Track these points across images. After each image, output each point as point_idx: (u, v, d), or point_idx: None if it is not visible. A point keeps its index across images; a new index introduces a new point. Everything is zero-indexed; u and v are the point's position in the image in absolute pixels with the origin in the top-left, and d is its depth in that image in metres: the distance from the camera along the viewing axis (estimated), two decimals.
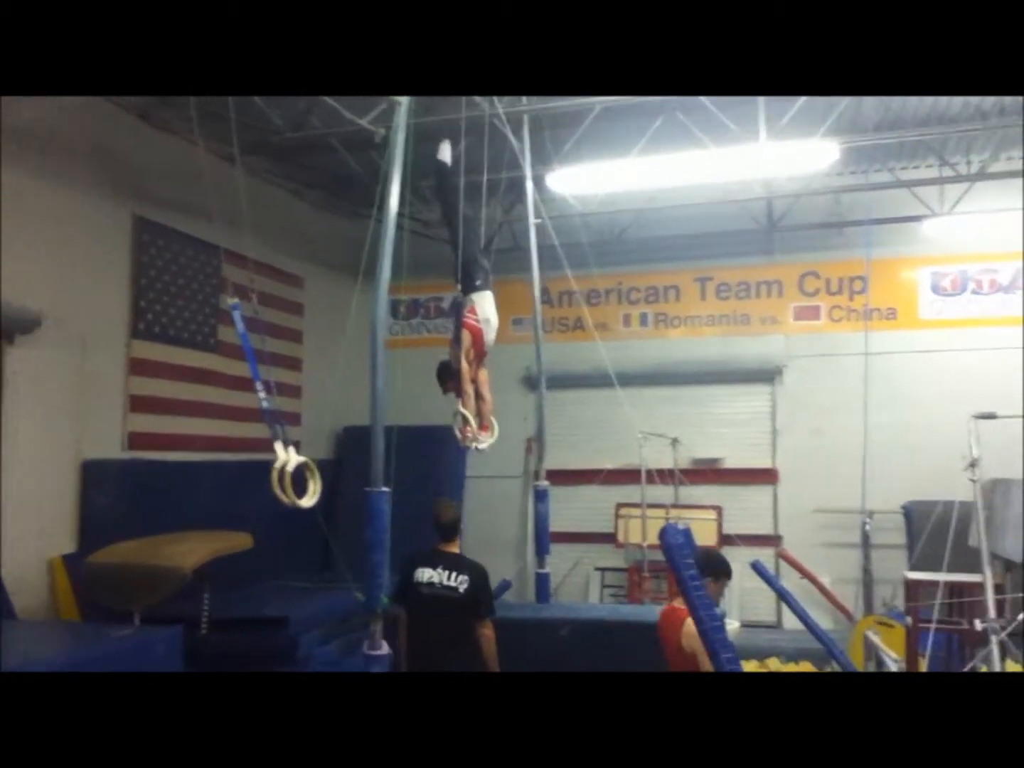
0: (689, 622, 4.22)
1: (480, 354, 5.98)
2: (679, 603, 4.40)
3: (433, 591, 4.90)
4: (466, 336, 5.82)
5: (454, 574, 4.90)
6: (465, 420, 5.73)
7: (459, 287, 5.98)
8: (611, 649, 5.73)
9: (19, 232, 6.57)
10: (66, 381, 7.03)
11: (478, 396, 5.98)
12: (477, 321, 5.87)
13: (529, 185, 7.61)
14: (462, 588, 4.88)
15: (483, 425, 6.02)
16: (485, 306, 5.92)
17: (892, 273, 10.28)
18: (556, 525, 8.11)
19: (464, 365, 5.75)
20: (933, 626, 5.64)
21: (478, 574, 5.00)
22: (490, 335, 5.95)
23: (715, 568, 4.59)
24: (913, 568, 7.17)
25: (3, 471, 6.46)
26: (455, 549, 5.13)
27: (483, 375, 6.08)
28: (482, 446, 6.01)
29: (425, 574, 4.94)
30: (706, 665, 4.20)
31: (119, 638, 5.18)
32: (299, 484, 4.71)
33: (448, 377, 5.97)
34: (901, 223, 9.62)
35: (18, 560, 6.48)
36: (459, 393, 5.80)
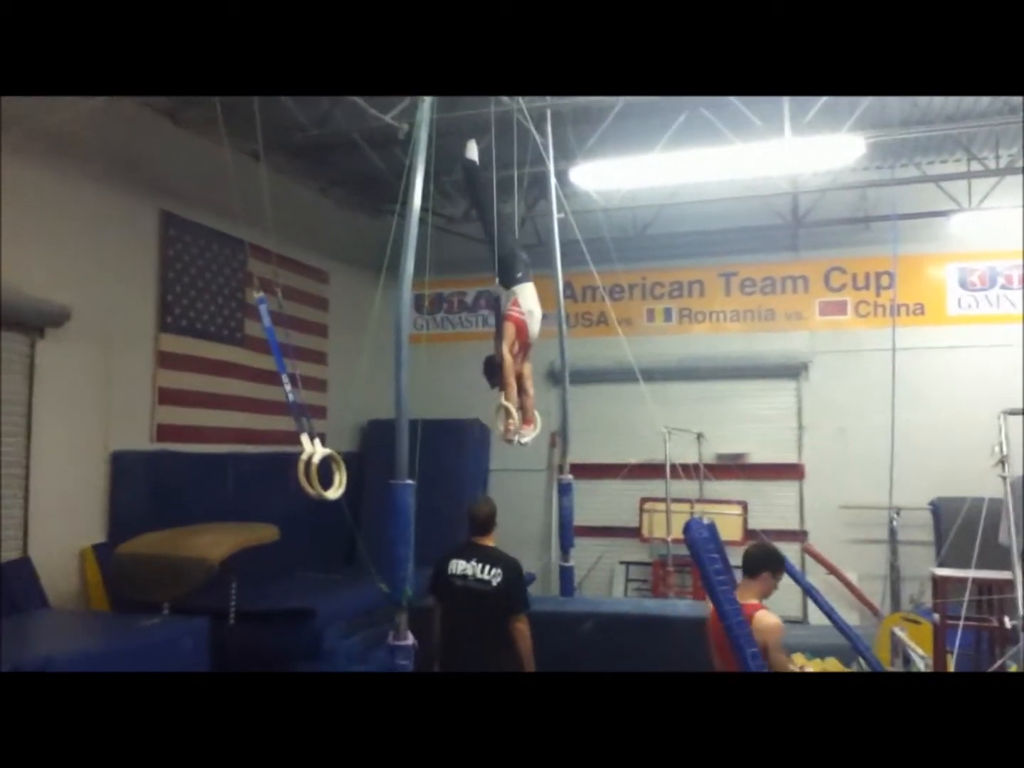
0: (759, 615, 4.22)
1: (524, 346, 5.96)
2: (739, 596, 4.36)
3: (466, 583, 4.90)
4: (509, 328, 5.80)
5: (487, 567, 4.90)
6: (508, 413, 5.71)
7: (498, 281, 5.97)
8: (636, 643, 5.73)
9: (47, 227, 6.68)
10: (95, 374, 7.13)
11: (521, 390, 5.98)
12: (521, 313, 5.87)
13: (552, 180, 7.60)
14: (495, 582, 4.87)
15: (527, 419, 6.02)
16: (528, 298, 5.92)
17: (919, 269, 10.18)
18: (580, 519, 8.11)
19: (508, 358, 5.74)
20: (961, 623, 5.56)
21: (512, 568, 4.98)
22: (534, 327, 5.94)
23: (775, 563, 4.51)
24: (941, 565, 7.09)
25: (34, 462, 6.58)
26: (490, 543, 5.13)
27: (527, 368, 6.07)
28: (525, 439, 6.01)
29: (459, 566, 4.95)
30: (780, 661, 4.18)
31: (148, 628, 5.25)
32: (325, 476, 4.75)
33: (494, 372, 5.97)
34: (928, 218, 9.53)
35: (50, 550, 6.60)
36: (503, 387, 5.78)
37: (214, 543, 6.34)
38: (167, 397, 7.91)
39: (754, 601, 4.31)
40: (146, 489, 7.37)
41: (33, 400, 6.59)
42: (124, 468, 7.31)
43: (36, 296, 6.46)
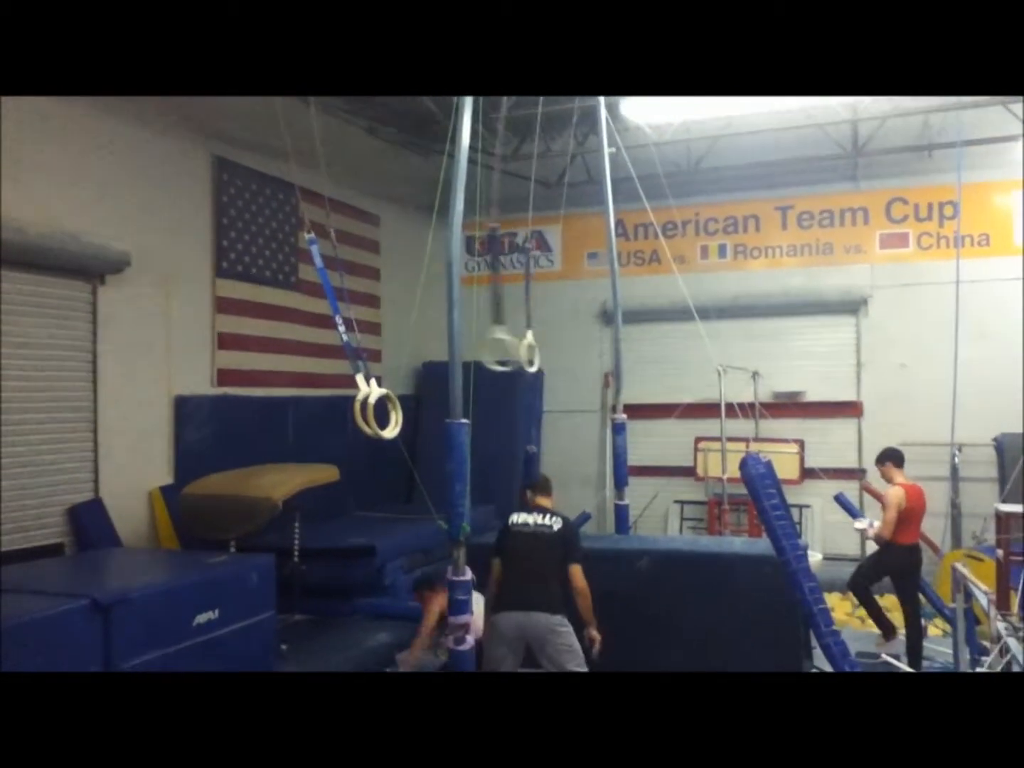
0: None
1: None
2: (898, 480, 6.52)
3: (527, 529, 5.23)
4: None
5: (547, 516, 5.28)
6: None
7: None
8: (692, 580, 5.77)
9: (103, 174, 6.77)
10: (156, 319, 7.30)
11: None
12: None
13: (603, 113, 7.44)
14: (555, 527, 5.22)
15: None
16: None
17: (985, 197, 9.81)
18: (635, 459, 8.11)
19: None
20: None
21: (568, 521, 5.41)
22: None
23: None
24: (1005, 501, 6.99)
25: (101, 406, 6.78)
26: (548, 503, 5.49)
27: None
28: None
29: (520, 518, 5.31)
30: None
31: (215, 564, 5.41)
32: (381, 417, 4.82)
33: None
34: (994, 144, 9.15)
35: (120, 492, 6.85)
36: None
37: (277, 483, 6.50)
38: (226, 342, 8.06)
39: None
40: (209, 432, 7.57)
41: (97, 345, 6.77)
42: (187, 412, 7.51)
43: (96, 242, 6.59)
